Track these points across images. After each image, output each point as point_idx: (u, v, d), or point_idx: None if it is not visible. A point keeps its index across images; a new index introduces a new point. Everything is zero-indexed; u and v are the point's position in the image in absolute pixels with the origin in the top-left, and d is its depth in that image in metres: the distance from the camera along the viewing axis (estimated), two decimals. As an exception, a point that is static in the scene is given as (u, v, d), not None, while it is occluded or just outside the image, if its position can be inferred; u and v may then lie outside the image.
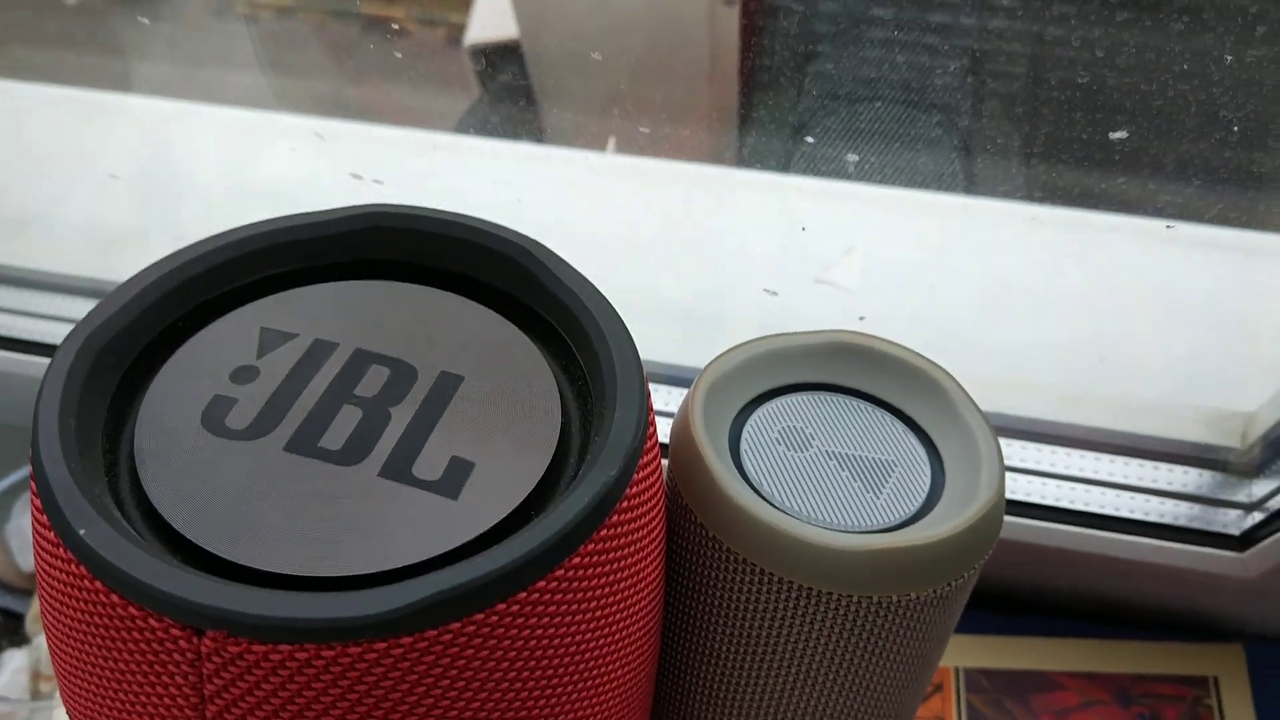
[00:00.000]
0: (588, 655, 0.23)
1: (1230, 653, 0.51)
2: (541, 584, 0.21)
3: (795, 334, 0.29)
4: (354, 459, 0.23)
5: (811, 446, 0.28)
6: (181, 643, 0.20)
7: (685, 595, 0.28)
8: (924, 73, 0.62)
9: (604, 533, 0.22)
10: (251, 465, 0.23)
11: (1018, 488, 0.40)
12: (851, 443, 0.28)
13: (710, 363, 0.28)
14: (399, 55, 0.76)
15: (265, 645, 0.20)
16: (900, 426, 0.29)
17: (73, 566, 0.21)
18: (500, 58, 0.64)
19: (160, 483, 0.23)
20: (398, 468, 0.23)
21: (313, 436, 0.24)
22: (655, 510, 0.25)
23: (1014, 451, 0.41)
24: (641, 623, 0.25)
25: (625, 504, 0.23)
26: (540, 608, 0.22)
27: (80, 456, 0.22)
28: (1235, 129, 0.55)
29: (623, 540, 0.23)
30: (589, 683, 0.24)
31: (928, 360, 0.29)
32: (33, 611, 0.60)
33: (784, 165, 0.57)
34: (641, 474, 0.24)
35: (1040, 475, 0.40)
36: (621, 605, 0.24)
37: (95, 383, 0.24)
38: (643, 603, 0.25)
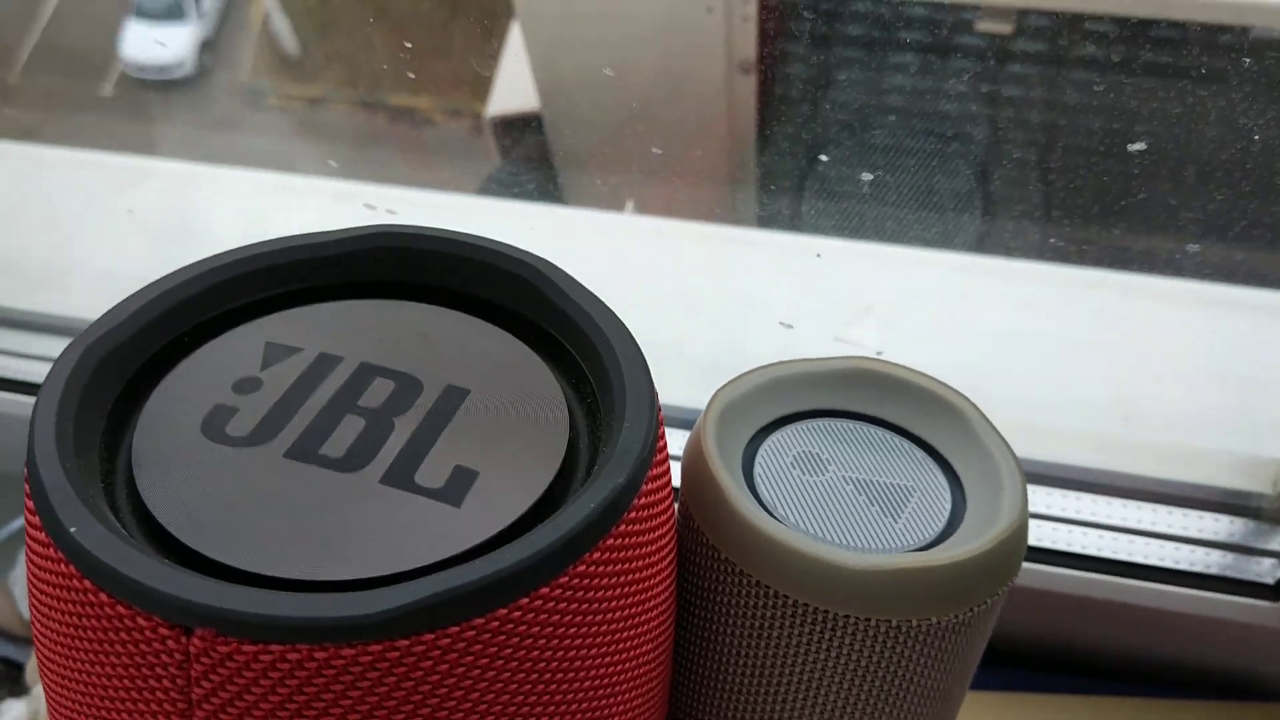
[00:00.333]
0: (591, 671, 0.22)
1: (1269, 713, 0.49)
2: (544, 590, 0.21)
3: (810, 360, 0.29)
4: (355, 466, 0.23)
5: (827, 471, 0.27)
6: (170, 643, 0.20)
7: (698, 621, 0.27)
8: (943, 139, 0.63)
9: (611, 541, 0.22)
10: (250, 471, 0.23)
11: (1043, 535, 0.39)
12: (869, 468, 0.27)
13: (722, 387, 0.28)
14: (426, 138, 0.78)
15: (256, 645, 0.19)
16: (919, 453, 0.28)
17: (62, 566, 0.20)
18: (520, 128, 0.65)
19: (156, 487, 0.22)
20: (400, 475, 0.23)
21: (314, 444, 0.23)
22: (666, 526, 0.24)
23: (1038, 498, 0.40)
24: (650, 642, 0.24)
25: (634, 514, 0.22)
26: (543, 615, 0.21)
27: (75, 459, 0.22)
28: (1256, 187, 0.55)
29: (631, 551, 0.23)
30: (592, 701, 0.23)
31: (946, 386, 0.28)
32: (32, 661, 0.59)
33: (800, 224, 0.57)
34: (651, 485, 0.23)
35: (1066, 522, 0.39)
36: (628, 621, 0.23)
37: (94, 390, 0.23)
38: (651, 621, 0.24)
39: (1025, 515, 0.26)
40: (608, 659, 0.23)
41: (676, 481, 0.26)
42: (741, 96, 0.61)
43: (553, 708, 0.22)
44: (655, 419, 0.24)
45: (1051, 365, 0.46)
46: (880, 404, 0.28)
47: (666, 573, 0.25)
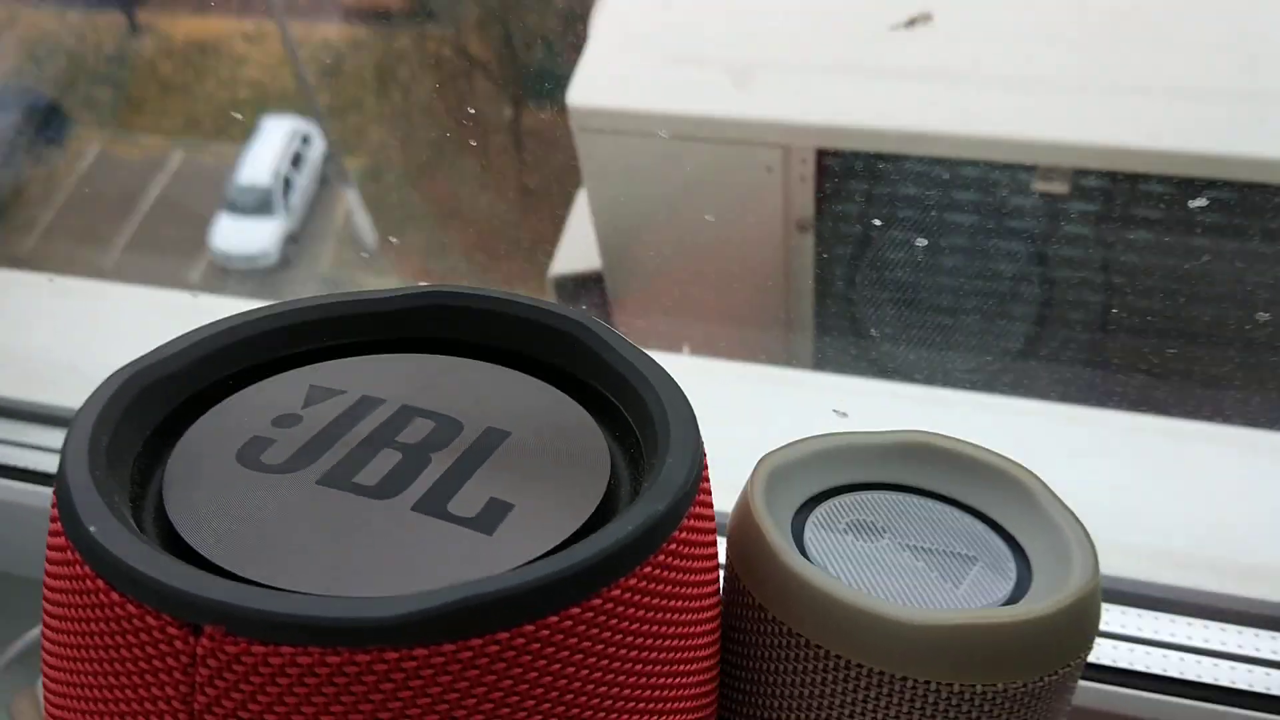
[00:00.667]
0: (618, 705, 0.21)
1: None
2: (575, 610, 0.19)
3: (863, 432, 0.28)
4: (388, 494, 0.22)
5: (883, 538, 0.26)
6: (177, 643, 0.18)
7: (748, 689, 0.25)
8: (1000, 296, 0.63)
9: (648, 570, 0.21)
10: (280, 494, 0.22)
11: (1118, 656, 0.36)
12: (928, 537, 0.26)
13: (769, 453, 0.27)
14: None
15: (266, 646, 0.18)
16: (980, 526, 0.26)
17: (76, 568, 0.20)
18: (581, 285, 0.66)
19: (181, 504, 0.22)
20: (433, 504, 0.22)
21: (348, 473, 0.23)
22: (708, 570, 0.23)
23: (1111, 617, 0.37)
24: (687, 689, 0.22)
25: (674, 546, 0.21)
26: (572, 639, 0.19)
27: (106, 469, 0.21)
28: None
29: (670, 586, 0.21)
30: None
31: (1007, 459, 0.27)
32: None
33: (855, 368, 0.57)
34: (693, 522, 0.22)
35: (1141, 643, 0.36)
36: (665, 660, 0.21)
37: (135, 412, 0.23)
38: (690, 666, 0.22)
39: (1098, 581, 0.24)
40: (638, 697, 0.21)
41: (721, 557, 0.25)
42: (800, 253, 0.62)
43: None
44: (700, 456, 0.23)
45: (1121, 507, 0.44)
46: (937, 478, 0.27)
47: (707, 618, 0.23)
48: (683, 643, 0.22)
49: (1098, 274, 0.62)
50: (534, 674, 0.19)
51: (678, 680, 0.22)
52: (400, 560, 0.21)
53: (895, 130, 0.59)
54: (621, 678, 0.21)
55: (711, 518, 0.23)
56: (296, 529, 0.21)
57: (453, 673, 0.19)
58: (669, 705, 0.22)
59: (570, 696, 0.20)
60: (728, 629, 0.26)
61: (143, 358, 0.24)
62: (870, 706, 0.23)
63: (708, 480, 0.23)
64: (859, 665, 0.23)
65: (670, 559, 0.21)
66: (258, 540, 0.21)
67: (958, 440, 0.27)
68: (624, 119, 0.61)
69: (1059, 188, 0.61)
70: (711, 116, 0.60)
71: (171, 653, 0.19)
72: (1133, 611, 0.38)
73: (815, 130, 0.59)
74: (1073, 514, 0.25)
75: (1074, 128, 0.58)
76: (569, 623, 0.19)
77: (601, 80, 0.62)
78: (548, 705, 0.20)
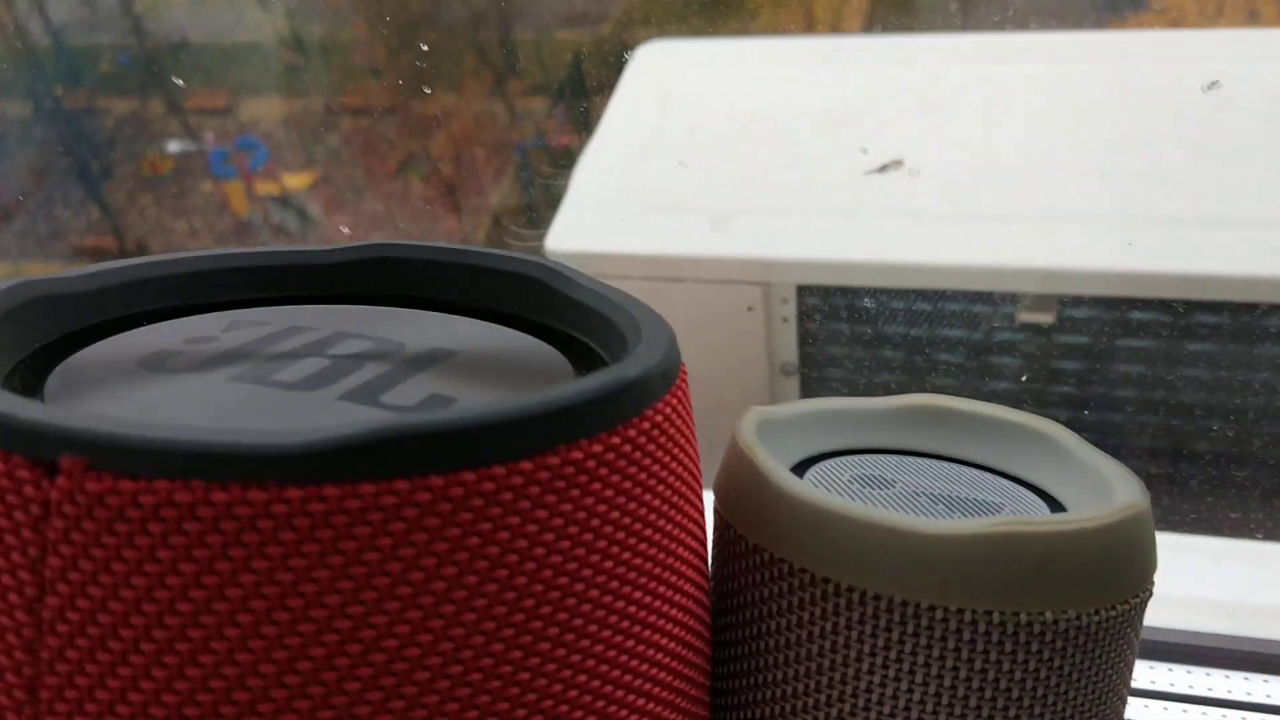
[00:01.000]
0: (565, 603, 0.17)
1: None
2: (526, 465, 0.16)
3: (864, 399, 0.25)
4: (311, 388, 0.19)
5: (894, 487, 0.22)
6: (27, 489, 0.15)
7: (751, 650, 0.21)
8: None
9: (615, 440, 0.17)
10: (183, 387, 0.19)
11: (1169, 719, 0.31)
12: (946, 487, 0.22)
13: (755, 409, 0.23)
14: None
15: (136, 482, 0.14)
16: (1003, 481, 0.23)
17: None
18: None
19: (65, 393, 0.18)
20: (363, 395, 0.19)
21: (266, 373, 0.20)
22: (687, 478, 0.19)
23: (1159, 675, 0.32)
24: (666, 620, 0.18)
25: (646, 425, 0.18)
26: (523, 502, 0.16)
27: None
28: None
29: (642, 467, 0.18)
30: (568, 640, 0.17)
31: (1026, 414, 0.24)
32: None
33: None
34: (669, 410, 0.19)
35: (1194, 701, 0.31)
36: (635, 561, 0.18)
37: (21, 318, 0.20)
38: (670, 591, 0.18)
39: (1148, 508, 0.20)
40: (599, 601, 0.17)
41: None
42: (786, 399, 0.60)
43: (515, 617, 0.16)
44: (675, 349, 0.20)
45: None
46: (947, 440, 0.24)
47: (689, 541, 0.19)
48: (661, 552, 0.18)
49: (1091, 400, 0.60)
50: (474, 539, 0.16)
51: (653, 601, 0.18)
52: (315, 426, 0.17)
53: (875, 263, 0.58)
54: (582, 569, 0.17)
55: (691, 430, 0.20)
56: (197, 410, 0.18)
57: (373, 523, 0.15)
58: (643, 628, 0.18)
59: (517, 571, 0.16)
60: (723, 594, 0.22)
61: (41, 278, 0.21)
62: (902, 649, 0.19)
63: (685, 385, 0.20)
64: (879, 598, 0.19)
65: (642, 439, 0.18)
66: (139, 408, 0.18)
67: (964, 400, 0.24)
68: (601, 261, 0.60)
69: (1045, 318, 0.60)
70: (689, 256, 0.60)
71: (20, 504, 0.15)
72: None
73: (795, 266, 0.59)
74: (1107, 456, 0.22)
75: (1055, 255, 0.58)
76: (518, 478, 0.16)
77: (579, 226, 0.62)
78: (491, 583, 0.16)
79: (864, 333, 0.62)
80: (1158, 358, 0.58)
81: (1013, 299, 0.60)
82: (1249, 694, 0.32)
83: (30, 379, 0.20)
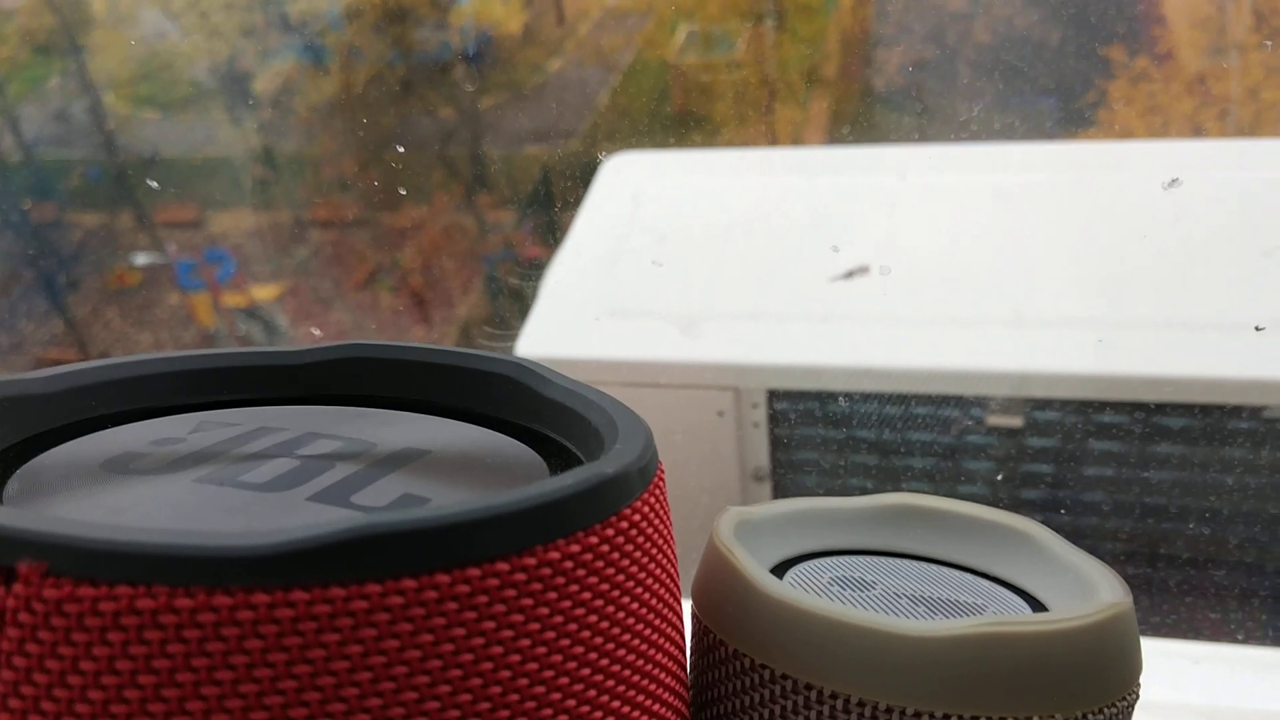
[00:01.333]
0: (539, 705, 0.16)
1: None
2: (503, 565, 0.16)
3: (840, 499, 0.24)
4: (280, 488, 0.19)
5: (874, 590, 0.22)
6: None
7: None
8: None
9: (592, 540, 0.17)
10: (148, 489, 0.18)
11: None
12: (927, 588, 0.22)
13: (734, 508, 0.23)
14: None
15: (97, 588, 0.14)
16: (984, 582, 0.23)
17: None
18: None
19: (25, 496, 0.18)
20: (333, 495, 0.18)
21: (233, 475, 0.19)
22: (665, 579, 0.19)
23: None
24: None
25: (625, 525, 0.18)
26: (498, 606, 0.16)
27: None
28: None
29: (619, 569, 0.17)
30: None
31: (1003, 512, 0.23)
32: None
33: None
34: (647, 509, 0.18)
35: None
36: (613, 667, 0.17)
37: None
38: (648, 697, 0.18)
39: (1131, 606, 0.20)
40: (578, 701, 0.16)
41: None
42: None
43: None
44: (653, 449, 0.19)
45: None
46: (926, 540, 0.24)
47: (669, 645, 0.19)
48: (640, 658, 0.18)
49: (1064, 503, 0.60)
50: (447, 645, 0.15)
51: (631, 711, 0.18)
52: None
53: (844, 367, 0.59)
54: (559, 676, 0.16)
55: (669, 529, 0.20)
56: (156, 507, 0.18)
57: (342, 629, 0.15)
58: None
59: (492, 678, 0.15)
60: (703, 702, 0.21)
61: (5, 379, 0.21)
62: None
63: (663, 483, 0.20)
64: (864, 704, 0.18)
65: (620, 538, 0.17)
66: (104, 513, 0.17)
67: (943, 499, 0.24)
68: (571, 367, 0.60)
69: (1014, 421, 0.60)
70: (659, 361, 0.60)
71: (-25, 612, 0.14)
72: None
73: (765, 370, 0.59)
74: (1087, 554, 0.22)
75: (1021, 358, 0.58)
76: (493, 580, 0.16)
77: (550, 331, 0.62)
78: (464, 693, 0.15)
79: (835, 436, 0.62)
80: (1128, 460, 0.58)
81: (982, 403, 0.60)
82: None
83: None
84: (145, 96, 1.15)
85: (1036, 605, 0.22)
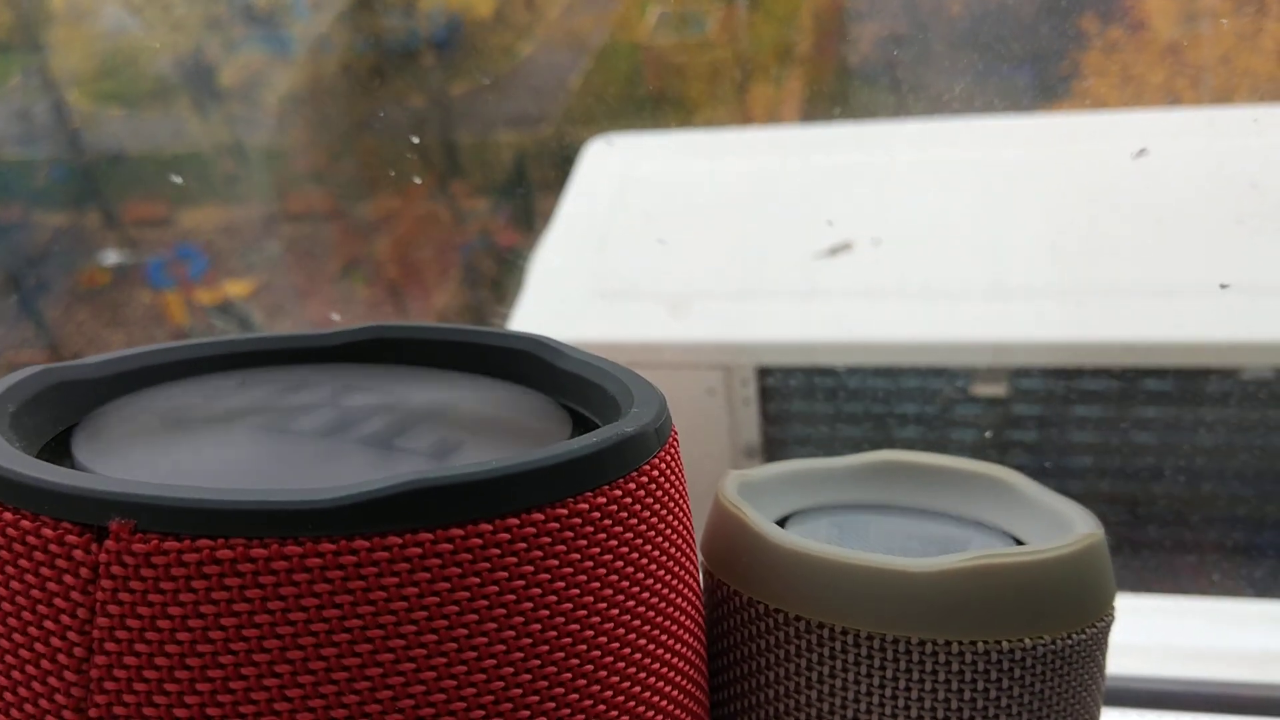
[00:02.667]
0: (579, 640, 0.18)
1: None
2: (538, 515, 0.18)
3: (831, 458, 0.27)
4: (328, 434, 0.21)
5: (869, 535, 0.24)
6: (77, 553, 0.17)
7: (746, 698, 0.23)
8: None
9: (617, 493, 0.19)
10: (205, 439, 0.21)
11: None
12: (915, 531, 0.24)
13: (733, 472, 0.26)
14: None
15: (180, 541, 0.16)
16: (969, 525, 0.25)
17: None
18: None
19: (90, 445, 0.20)
20: (378, 439, 0.21)
21: (284, 423, 0.22)
22: (682, 531, 0.21)
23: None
24: (670, 663, 0.20)
25: (645, 480, 0.20)
26: (535, 551, 0.18)
27: (10, 429, 0.20)
28: None
29: (641, 519, 0.20)
30: (580, 679, 0.19)
31: (981, 463, 0.26)
32: None
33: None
34: (664, 467, 0.21)
35: None
36: (638, 609, 0.19)
37: (47, 402, 0.22)
38: (670, 638, 0.20)
39: (1103, 536, 0.22)
40: (605, 645, 0.19)
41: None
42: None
43: (531, 662, 0.18)
44: (666, 413, 0.22)
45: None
46: (913, 493, 0.26)
47: (686, 590, 0.21)
48: (662, 601, 0.20)
49: (1048, 470, 0.63)
50: (492, 587, 0.17)
51: (655, 649, 0.20)
52: (340, 475, 0.19)
53: (831, 342, 0.61)
54: (590, 615, 0.19)
55: (683, 486, 0.22)
56: (216, 457, 0.20)
57: (399, 573, 0.17)
58: (646, 673, 0.20)
59: (532, 617, 0.18)
60: (718, 651, 0.23)
61: (62, 364, 0.23)
62: (896, 685, 0.21)
63: (677, 443, 0.22)
64: (872, 637, 0.21)
65: (640, 492, 0.20)
66: (173, 466, 0.19)
67: (925, 454, 0.26)
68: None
69: (998, 391, 0.63)
70: (650, 342, 0.62)
71: (70, 568, 0.17)
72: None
73: (754, 348, 0.61)
74: (1061, 495, 0.24)
75: (1003, 328, 0.61)
76: (530, 529, 0.18)
77: (539, 315, 0.64)
78: (510, 627, 0.18)
79: (825, 410, 0.64)
80: (1109, 424, 0.61)
81: (967, 373, 0.63)
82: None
83: (55, 451, 0.22)
84: (109, 93, 1.16)
85: (1018, 543, 0.24)
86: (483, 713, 0.17)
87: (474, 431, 0.22)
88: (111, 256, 1.12)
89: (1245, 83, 0.79)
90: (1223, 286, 0.55)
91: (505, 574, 0.18)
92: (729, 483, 0.24)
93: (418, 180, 0.93)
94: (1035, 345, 0.61)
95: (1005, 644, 0.20)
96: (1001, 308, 0.62)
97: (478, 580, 0.17)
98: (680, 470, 0.22)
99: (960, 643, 0.20)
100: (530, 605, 0.18)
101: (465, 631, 0.17)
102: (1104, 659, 0.22)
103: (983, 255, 0.63)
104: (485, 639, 0.17)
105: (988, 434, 0.61)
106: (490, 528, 0.17)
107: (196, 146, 1.14)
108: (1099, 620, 0.22)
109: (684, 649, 0.21)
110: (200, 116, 1.13)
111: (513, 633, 0.18)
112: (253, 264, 1.15)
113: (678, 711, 0.21)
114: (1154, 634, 0.44)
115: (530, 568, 0.18)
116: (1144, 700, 0.35)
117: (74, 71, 1.13)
